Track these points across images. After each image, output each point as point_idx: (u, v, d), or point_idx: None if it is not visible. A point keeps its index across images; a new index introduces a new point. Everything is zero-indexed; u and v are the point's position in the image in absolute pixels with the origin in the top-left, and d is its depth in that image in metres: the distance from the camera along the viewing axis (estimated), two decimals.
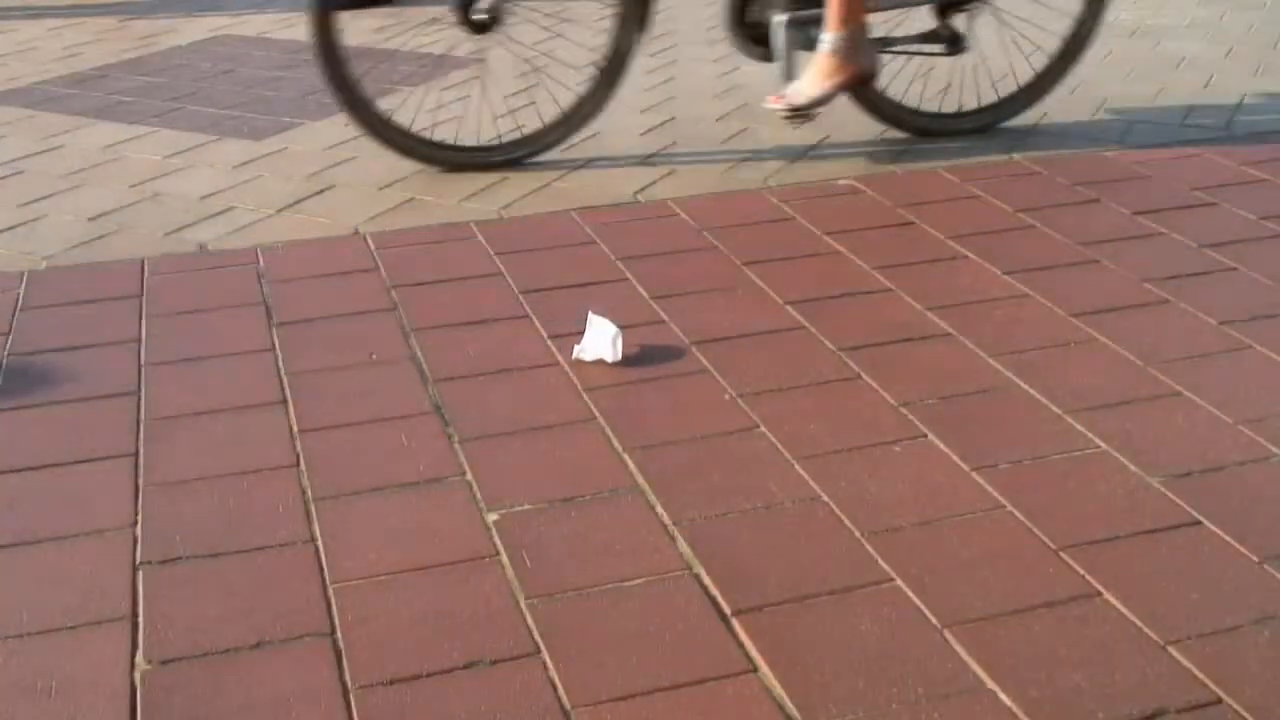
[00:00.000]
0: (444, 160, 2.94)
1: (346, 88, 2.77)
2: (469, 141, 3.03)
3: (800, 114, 2.86)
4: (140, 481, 1.78)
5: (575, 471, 1.79)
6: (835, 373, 2.04)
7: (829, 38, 2.79)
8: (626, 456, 1.82)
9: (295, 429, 1.90)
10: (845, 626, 1.48)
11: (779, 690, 1.39)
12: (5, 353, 2.14)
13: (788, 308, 2.26)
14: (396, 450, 1.84)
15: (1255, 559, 1.59)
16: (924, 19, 3.06)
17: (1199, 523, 1.66)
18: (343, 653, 1.45)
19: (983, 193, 2.79)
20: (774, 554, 1.61)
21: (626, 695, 1.38)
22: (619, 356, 2.05)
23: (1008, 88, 3.21)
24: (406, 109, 3.30)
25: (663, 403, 1.96)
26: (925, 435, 1.86)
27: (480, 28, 2.77)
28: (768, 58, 2.93)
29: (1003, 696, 1.38)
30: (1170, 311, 2.24)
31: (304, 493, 1.75)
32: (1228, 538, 1.63)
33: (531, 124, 3.07)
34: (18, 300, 2.33)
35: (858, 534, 1.65)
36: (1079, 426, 1.88)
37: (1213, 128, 3.21)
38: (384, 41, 4.07)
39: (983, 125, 3.14)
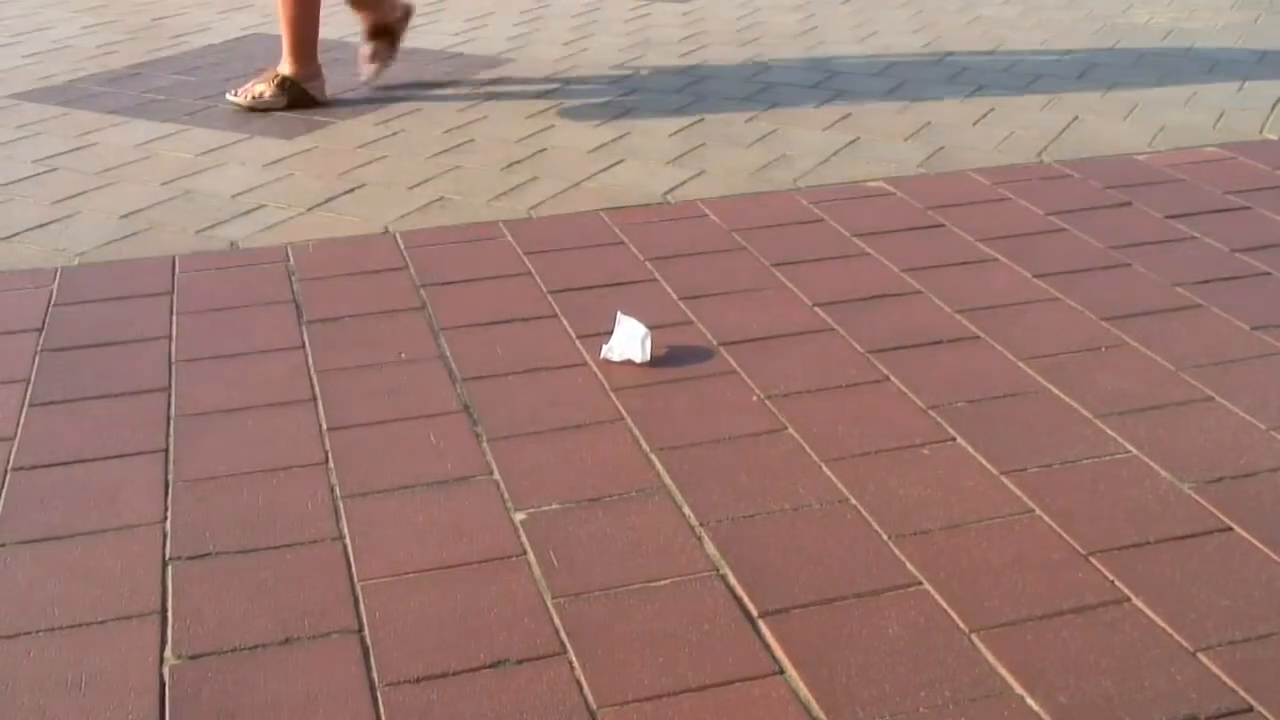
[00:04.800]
0: None
1: None
2: None
3: None
4: (170, 477, 1.79)
5: (602, 471, 1.79)
6: (863, 375, 2.04)
7: None
8: (654, 457, 1.82)
9: (324, 426, 1.91)
10: (872, 629, 1.48)
11: (805, 692, 1.39)
12: (38, 348, 2.16)
13: (816, 309, 2.25)
14: (425, 449, 1.85)
15: None
16: None
17: (1230, 529, 1.65)
18: (370, 650, 1.46)
19: (1013, 195, 2.78)
20: (801, 556, 1.60)
21: (652, 696, 1.38)
22: (647, 357, 2.05)
23: None
24: None
25: (690, 403, 1.96)
26: (954, 439, 1.86)
27: None
28: None
29: (1030, 701, 1.37)
30: (1202, 316, 2.22)
31: (333, 490, 1.76)
32: (1259, 543, 1.62)
33: None
34: (51, 296, 2.34)
35: (885, 537, 1.64)
36: (1109, 431, 1.87)
37: (1246, 131, 3.19)
38: None
39: None
